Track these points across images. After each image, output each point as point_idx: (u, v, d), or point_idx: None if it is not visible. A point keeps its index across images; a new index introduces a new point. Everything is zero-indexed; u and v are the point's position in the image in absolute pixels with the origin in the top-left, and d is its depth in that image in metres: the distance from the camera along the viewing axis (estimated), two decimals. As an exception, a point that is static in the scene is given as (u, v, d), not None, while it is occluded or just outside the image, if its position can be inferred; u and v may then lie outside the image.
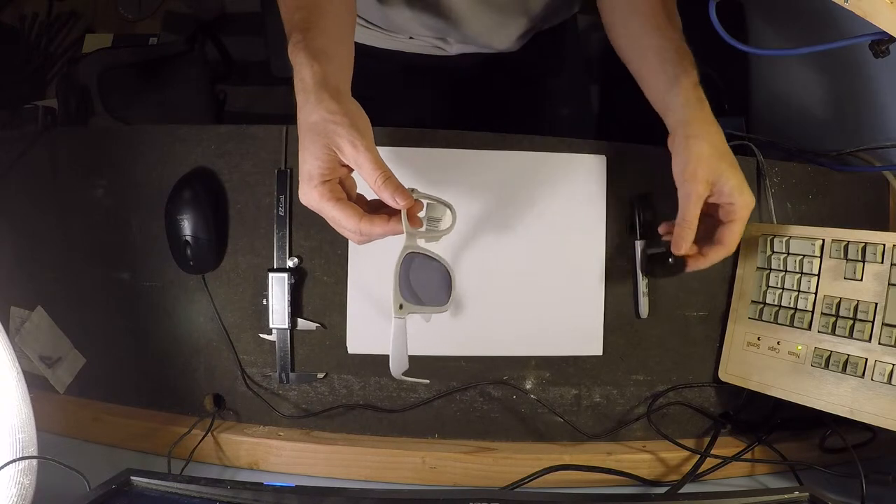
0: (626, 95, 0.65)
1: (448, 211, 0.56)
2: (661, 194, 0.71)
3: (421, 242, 0.53)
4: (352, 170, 0.52)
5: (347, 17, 0.60)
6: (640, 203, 0.69)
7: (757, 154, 0.72)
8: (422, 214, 0.54)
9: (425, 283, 0.52)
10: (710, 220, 0.61)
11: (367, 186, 0.51)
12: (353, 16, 0.62)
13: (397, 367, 0.53)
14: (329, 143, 0.49)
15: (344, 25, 0.59)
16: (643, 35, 0.63)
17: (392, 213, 0.52)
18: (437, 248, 0.54)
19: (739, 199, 0.58)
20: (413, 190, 0.52)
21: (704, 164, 0.57)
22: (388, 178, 0.50)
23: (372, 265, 0.68)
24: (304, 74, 0.52)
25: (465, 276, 0.68)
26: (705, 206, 0.58)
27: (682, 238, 0.58)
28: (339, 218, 0.50)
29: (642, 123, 0.62)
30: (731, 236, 0.59)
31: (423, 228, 0.53)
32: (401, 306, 0.51)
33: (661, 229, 0.64)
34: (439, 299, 0.52)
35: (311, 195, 0.50)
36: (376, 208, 0.53)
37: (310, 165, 0.50)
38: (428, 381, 0.53)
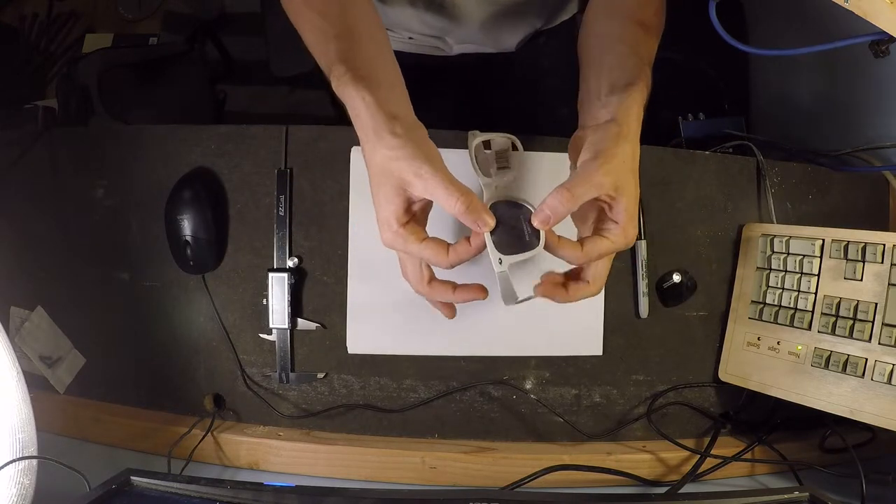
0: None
1: (510, 143, 0.56)
2: (662, 194, 0.71)
3: (499, 186, 0.54)
4: (428, 203, 0.51)
5: (382, 36, 0.58)
6: (640, 203, 0.69)
7: (757, 154, 0.72)
8: (489, 152, 0.55)
9: (514, 227, 0.52)
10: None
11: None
12: (386, 33, 0.59)
13: (510, 303, 0.53)
14: (398, 184, 0.49)
15: (383, 46, 0.57)
16: (613, 38, 0.59)
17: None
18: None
19: (624, 225, 0.50)
20: (475, 133, 0.53)
21: (622, 165, 0.50)
22: (469, 203, 0.48)
23: (372, 265, 0.68)
24: (357, 109, 0.50)
25: (466, 277, 0.68)
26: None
27: (560, 209, 0.48)
28: (429, 257, 0.50)
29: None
30: (595, 247, 0.51)
31: (495, 178, 0.54)
32: (500, 261, 0.50)
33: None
34: (532, 242, 0.51)
35: (394, 241, 0.50)
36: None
37: (385, 211, 0.50)
38: (535, 296, 0.54)
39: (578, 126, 0.56)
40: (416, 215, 0.52)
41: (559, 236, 0.51)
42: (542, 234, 0.50)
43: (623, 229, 0.51)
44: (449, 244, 0.51)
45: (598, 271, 0.54)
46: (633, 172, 0.51)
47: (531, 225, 0.50)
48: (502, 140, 0.55)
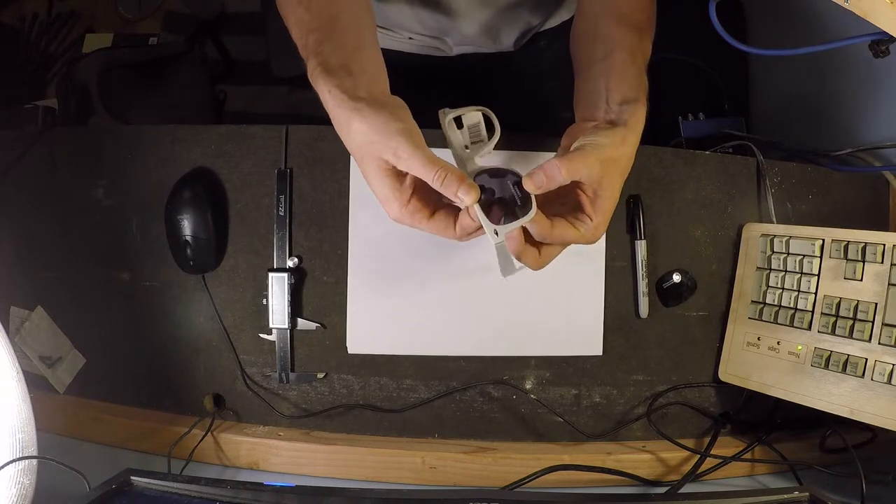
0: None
1: (481, 115, 0.55)
2: (662, 194, 0.71)
3: (478, 160, 0.53)
4: None
5: (366, 24, 0.57)
6: (640, 203, 0.69)
7: (757, 154, 0.72)
8: (463, 129, 0.54)
9: (502, 194, 0.51)
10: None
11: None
12: (372, 18, 0.59)
13: (508, 274, 0.52)
14: (380, 164, 0.49)
15: (364, 34, 0.56)
16: (612, 42, 0.58)
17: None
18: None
19: (597, 223, 0.51)
20: (445, 111, 0.52)
21: (615, 166, 0.51)
22: (446, 176, 0.47)
23: (372, 265, 0.68)
24: (325, 102, 0.50)
25: (466, 276, 0.68)
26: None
27: (556, 176, 0.48)
28: (436, 233, 0.51)
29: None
30: (562, 231, 0.51)
31: (472, 149, 0.53)
32: (496, 232, 0.49)
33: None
34: (524, 207, 0.50)
35: (402, 218, 0.50)
36: None
37: (384, 189, 0.49)
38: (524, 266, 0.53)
39: (577, 120, 0.56)
40: (416, 188, 0.50)
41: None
42: (533, 198, 0.49)
43: (595, 227, 0.51)
44: (454, 216, 0.50)
45: (550, 253, 0.54)
46: (621, 177, 0.52)
47: (521, 189, 0.49)
48: (474, 113, 0.54)
